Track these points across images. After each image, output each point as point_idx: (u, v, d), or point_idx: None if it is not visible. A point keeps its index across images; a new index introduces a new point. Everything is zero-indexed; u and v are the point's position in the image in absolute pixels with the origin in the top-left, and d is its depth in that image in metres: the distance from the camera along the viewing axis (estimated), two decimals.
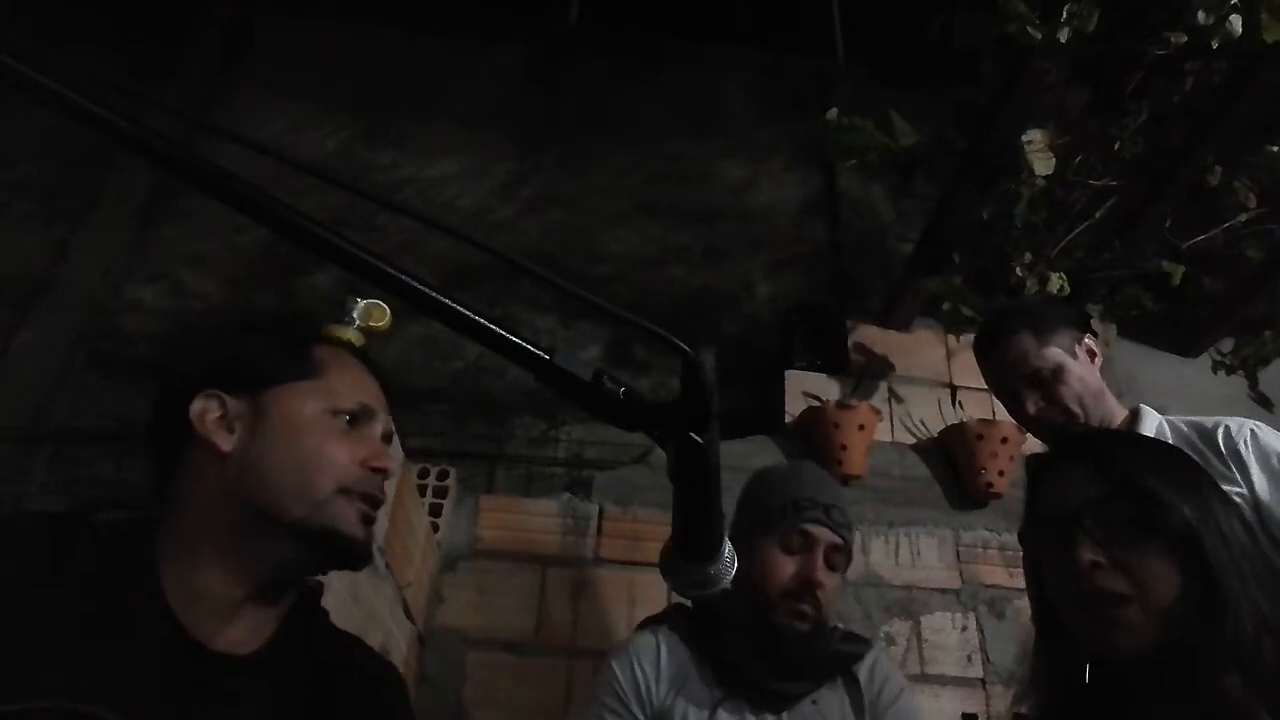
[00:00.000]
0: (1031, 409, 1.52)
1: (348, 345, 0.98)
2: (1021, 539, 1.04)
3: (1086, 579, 0.87)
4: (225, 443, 0.84)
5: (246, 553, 0.82)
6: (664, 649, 1.49)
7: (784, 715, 1.45)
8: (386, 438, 0.94)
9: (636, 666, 1.46)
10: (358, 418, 0.89)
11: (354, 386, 0.91)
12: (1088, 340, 1.60)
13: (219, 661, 0.80)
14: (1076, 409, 1.51)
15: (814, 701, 1.46)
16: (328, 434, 0.86)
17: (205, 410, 0.85)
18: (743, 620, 1.47)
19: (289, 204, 0.59)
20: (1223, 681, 0.80)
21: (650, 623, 1.60)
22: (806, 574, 1.46)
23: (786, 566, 1.47)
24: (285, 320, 1.00)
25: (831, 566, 1.50)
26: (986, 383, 1.66)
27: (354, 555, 0.87)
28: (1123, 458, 0.93)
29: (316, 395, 0.87)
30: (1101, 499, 0.90)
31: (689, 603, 1.60)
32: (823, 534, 1.49)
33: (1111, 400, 1.58)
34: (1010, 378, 1.55)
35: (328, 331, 1.73)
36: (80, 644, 0.72)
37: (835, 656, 1.52)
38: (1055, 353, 1.53)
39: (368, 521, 0.88)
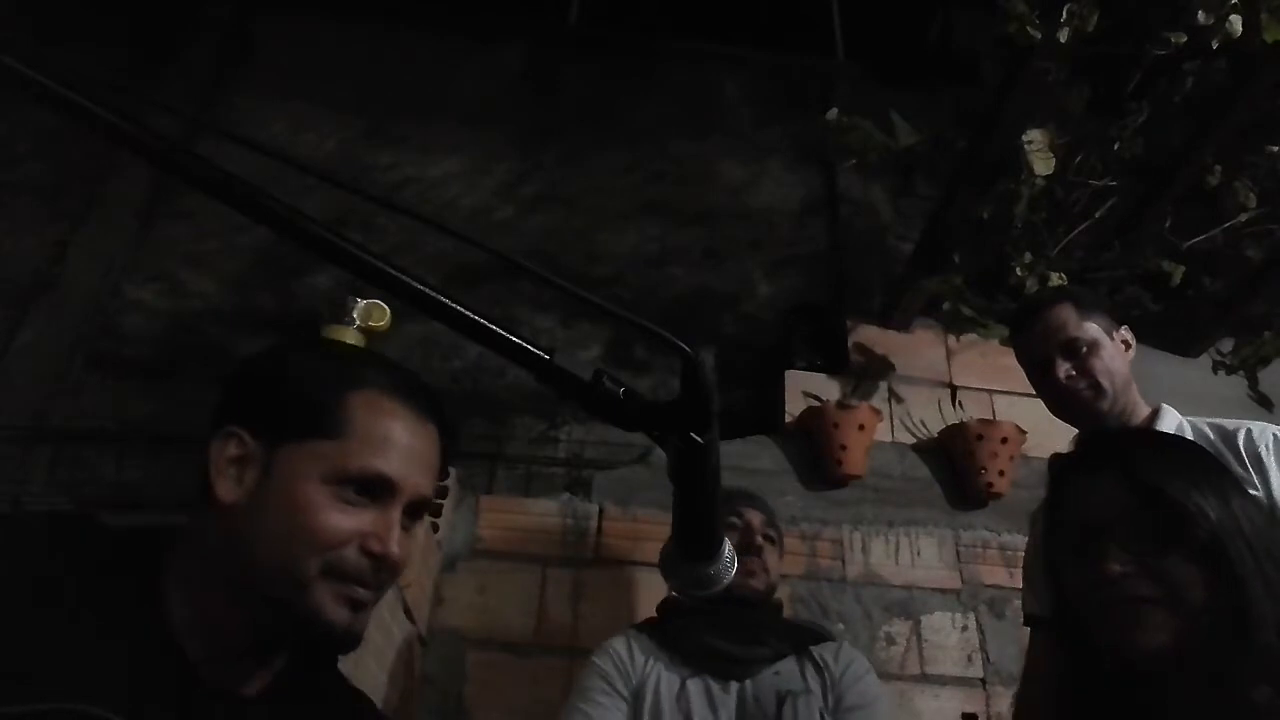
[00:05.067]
0: (1062, 375, 1.52)
1: (405, 390, 0.82)
2: (1044, 543, 1.02)
3: (1116, 586, 0.87)
4: (228, 492, 0.77)
5: (233, 613, 0.76)
6: (632, 642, 1.67)
7: (747, 684, 1.58)
8: (414, 510, 0.81)
9: (613, 653, 1.65)
10: (371, 490, 0.77)
11: (379, 451, 0.78)
12: (1124, 330, 1.61)
13: (217, 697, 0.76)
14: (1106, 384, 1.51)
15: (776, 673, 1.59)
16: (327, 506, 0.76)
17: (222, 449, 0.78)
18: (702, 601, 1.58)
19: (289, 204, 0.59)
20: (1253, 693, 0.80)
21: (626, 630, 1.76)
22: (746, 540, 1.73)
23: (730, 539, 1.63)
24: (336, 353, 0.88)
25: (767, 539, 1.77)
26: (1017, 356, 1.66)
27: (337, 644, 0.78)
28: (1149, 464, 0.92)
29: (328, 460, 0.76)
30: (1129, 509, 0.89)
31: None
32: (753, 514, 1.79)
33: (1136, 394, 1.58)
34: (1047, 345, 1.55)
35: (333, 333, 1.68)
36: (78, 651, 0.69)
37: (793, 628, 1.71)
38: (1094, 328, 1.54)
39: (356, 607, 0.77)
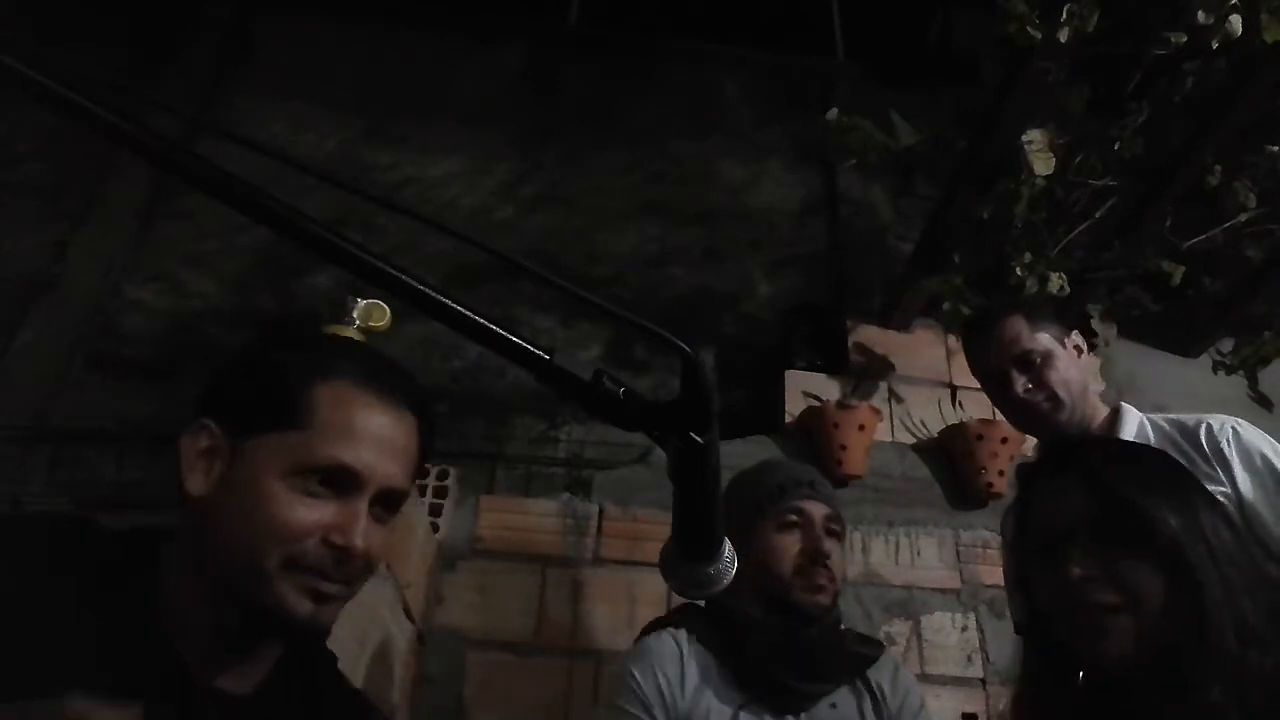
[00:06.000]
0: (1020, 390, 1.52)
1: (377, 380, 0.82)
2: (1010, 548, 1.04)
3: (1078, 591, 0.88)
4: (195, 485, 0.77)
5: (205, 607, 0.77)
6: (686, 653, 1.45)
7: (802, 717, 1.43)
8: (386, 500, 0.80)
9: (659, 673, 1.42)
10: (335, 481, 0.77)
11: (344, 442, 0.77)
12: (1075, 336, 1.61)
13: (210, 697, 0.76)
14: (1064, 395, 1.51)
15: (833, 705, 1.45)
16: (288, 500, 0.75)
17: (192, 443, 0.78)
18: (759, 616, 1.46)
19: (289, 204, 0.59)
20: (1208, 694, 0.81)
21: (657, 626, 1.56)
22: (814, 545, 1.48)
23: (791, 544, 1.49)
24: (306, 344, 0.86)
25: (832, 535, 1.53)
26: (971, 368, 1.66)
27: (302, 634, 0.79)
28: (1111, 471, 0.93)
29: (291, 452, 0.76)
30: (1092, 516, 0.90)
31: (699, 604, 1.58)
32: (815, 507, 1.53)
33: (1094, 398, 1.59)
34: (1000, 358, 1.56)
35: (335, 332, 1.68)
36: (74, 651, 0.69)
37: (852, 657, 1.51)
38: (1046, 338, 1.55)
39: (321, 599, 0.76)
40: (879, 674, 1.52)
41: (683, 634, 1.48)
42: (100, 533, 0.79)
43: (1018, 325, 1.55)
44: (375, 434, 0.79)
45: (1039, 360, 1.53)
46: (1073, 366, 1.55)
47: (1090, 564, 0.88)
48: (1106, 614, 0.86)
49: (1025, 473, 1.03)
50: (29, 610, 0.70)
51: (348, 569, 0.77)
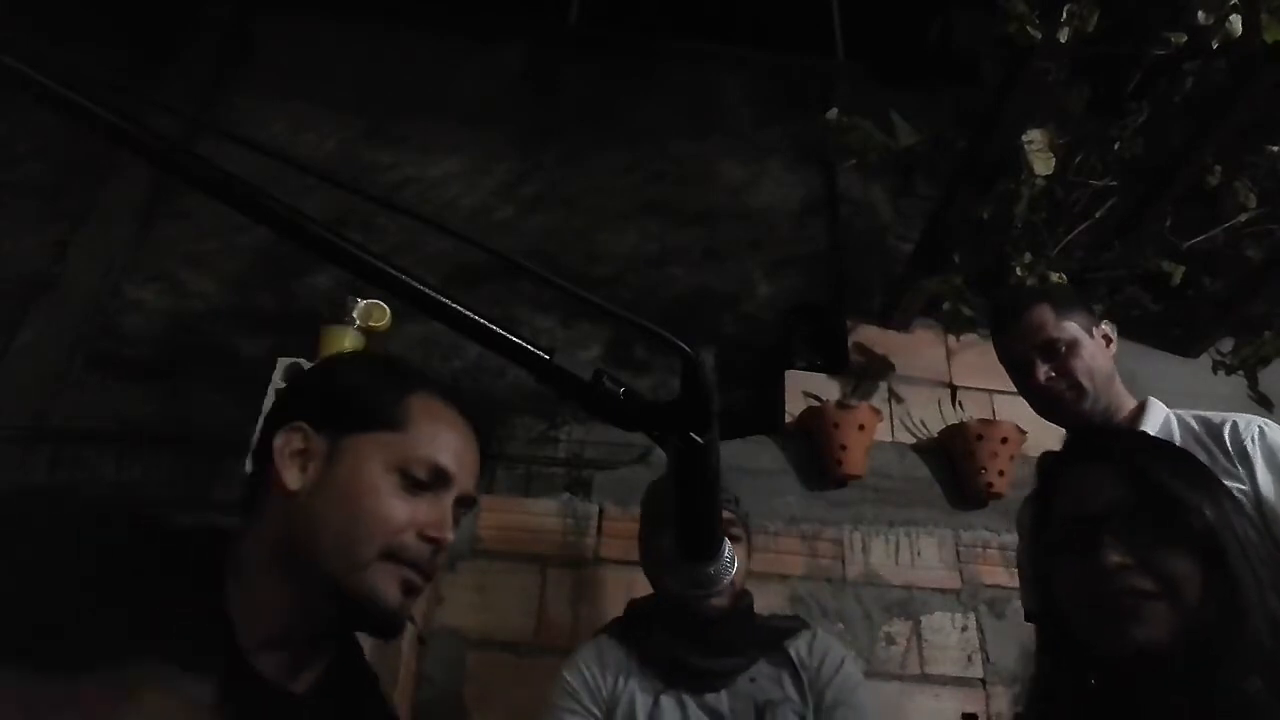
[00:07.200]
0: (1042, 377, 1.52)
1: (453, 399, 0.91)
2: (1030, 538, 1.03)
3: (1113, 579, 0.87)
4: (293, 480, 0.82)
5: (288, 599, 0.80)
6: (604, 652, 1.60)
7: (722, 694, 1.50)
8: (465, 503, 0.89)
9: (584, 668, 1.57)
10: (430, 480, 0.85)
11: (438, 445, 0.86)
12: (1104, 326, 1.61)
13: (269, 691, 0.78)
14: (1087, 384, 1.51)
15: (752, 679, 1.52)
16: (390, 494, 0.82)
17: (287, 443, 0.83)
18: (666, 611, 1.56)
19: (289, 204, 0.59)
20: (1245, 684, 0.80)
21: (598, 634, 1.69)
22: None
23: None
24: (391, 360, 0.93)
25: (729, 538, 1.56)
26: (999, 356, 1.65)
27: (385, 624, 0.83)
28: (1145, 459, 0.93)
29: (391, 450, 0.83)
30: (1127, 503, 0.90)
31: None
32: None
33: (1120, 389, 1.57)
34: (1025, 346, 1.55)
35: (333, 333, 1.69)
36: (140, 638, 0.71)
37: (764, 630, 1.59)
38: (1072, 327, 1.54)
39: (409, 591, 0.83)
40: (798, 645, 1.57)
41: (604, 637, 1.64)
42: (168, 531, 0.82)
43: (1044, 313, 1.55)
44: (459, 443, 0.89)
45: (1064, 349, 1.52)
46: (1099, 356, 1.54)
47: (1126, 552, 0.87)
48: (1142, 600, 0.86)
49: (1049, 463, 1.02)
50: (102, 594, 0.72)
51: (435, 562, 0.84)
